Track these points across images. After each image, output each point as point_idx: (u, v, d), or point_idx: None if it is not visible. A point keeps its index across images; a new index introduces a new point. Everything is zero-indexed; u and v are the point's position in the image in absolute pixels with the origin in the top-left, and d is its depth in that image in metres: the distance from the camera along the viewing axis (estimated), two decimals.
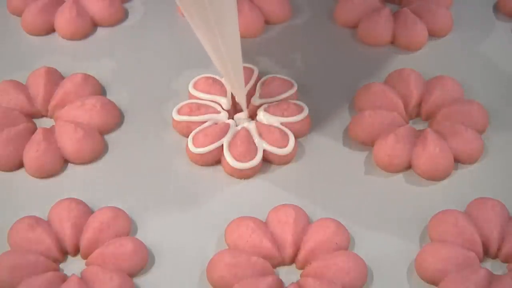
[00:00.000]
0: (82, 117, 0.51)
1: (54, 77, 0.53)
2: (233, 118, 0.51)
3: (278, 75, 0.53)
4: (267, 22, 0.59)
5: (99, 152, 0.50)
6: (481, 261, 0.44)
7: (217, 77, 0.52)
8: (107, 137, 0.51)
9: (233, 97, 0.51)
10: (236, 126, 0.50)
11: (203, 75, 0.53)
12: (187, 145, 0.49)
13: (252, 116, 0.51)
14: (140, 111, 0.53)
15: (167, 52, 0.57)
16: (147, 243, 0.45)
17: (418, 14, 0.57)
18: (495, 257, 0.44)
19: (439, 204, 0.47)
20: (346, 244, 0.45)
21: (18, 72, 0.55)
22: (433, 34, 0.58)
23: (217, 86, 0.52)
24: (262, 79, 0.53)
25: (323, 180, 0.49)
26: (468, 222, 0.44)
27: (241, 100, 0.50)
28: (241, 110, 0.51)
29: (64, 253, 0.45)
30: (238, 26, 0.46)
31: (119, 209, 0.46)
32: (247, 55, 0.56)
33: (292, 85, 0.52)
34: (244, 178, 0.49)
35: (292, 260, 0.45)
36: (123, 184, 0.49)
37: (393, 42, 0.57)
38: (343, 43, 0.58)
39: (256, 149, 0.49)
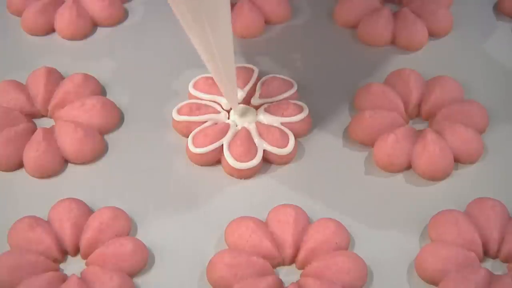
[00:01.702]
0: (82, 117, 0.51)
1: (54, 77, 0.53)
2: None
3: (278, 75, 0.53)
4: (267, 22, 0.59)
5: (99, 152, 0.50)
6: (481, 261, 0.44)
7: None
8: (107, 137, 0.51)
9: None
10: (236, 126, 0.50)
11: (203, 75, 0.53)
12: (187, 145, 0.49)
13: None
14: (140, 111, 0.53)
15: (167, 52, 0.57)
16: (147, 243, 0.45)
17: (418, 14, 0.57)
18: (495, 257, 0.44)
19: (439, 204, 0.46)
20: (346, 244, 0.45)
21: (18, 72, 0.55)
22: (433, 34, 0.58)
23: (217, 86, 0.52)
24: (262, 79, 0.53)
25: (323, 180, 0.49)
26: (468, 222, 0.44)
27: (232, 103, 0.49)
28: None
29: (64, 253, 0.45)
30: (231, 26, 0.45)
31: (119, 209, 0.46)
32: (247, 55, 0.56)
33: (292, 85, 0.52)
34: (244, 178, 0.49)
35: (292, 260, 0.44)
36: (123, 184, 0.49)
37: (393, 42, 0.57)
38: (343, 43, 0.58)
39: (256, 149, 0.49)
